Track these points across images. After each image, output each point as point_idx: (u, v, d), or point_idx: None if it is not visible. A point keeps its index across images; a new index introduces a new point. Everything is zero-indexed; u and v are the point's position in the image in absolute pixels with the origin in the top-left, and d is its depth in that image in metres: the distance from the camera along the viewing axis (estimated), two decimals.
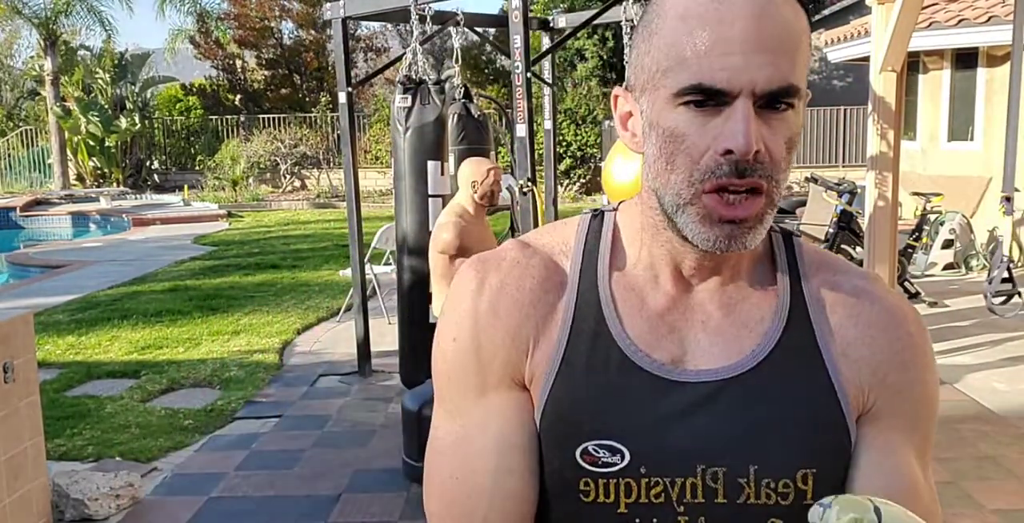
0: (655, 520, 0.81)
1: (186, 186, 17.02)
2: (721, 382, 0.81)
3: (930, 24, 8.61)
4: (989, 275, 5.61)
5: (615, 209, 0.89)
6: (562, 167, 14.76)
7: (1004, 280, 5.44)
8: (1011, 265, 5.60)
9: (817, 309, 0.84)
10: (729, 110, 0.74)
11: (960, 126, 9.31)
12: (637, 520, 0.81)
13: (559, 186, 11.62)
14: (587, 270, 0.85)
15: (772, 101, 0.75)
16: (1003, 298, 5.53)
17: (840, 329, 0.83)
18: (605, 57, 17.15)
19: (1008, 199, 5.37)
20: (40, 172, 18.36)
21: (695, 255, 0.82)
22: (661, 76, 0.77)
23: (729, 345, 0.82)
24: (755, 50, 0.73)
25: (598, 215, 0.89)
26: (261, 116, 18.75)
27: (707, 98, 0.74)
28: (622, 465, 0.80)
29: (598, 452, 0.80)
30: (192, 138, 18.99)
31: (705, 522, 0.81)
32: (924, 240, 7.83)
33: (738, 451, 0.80)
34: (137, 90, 19.29)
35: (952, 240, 8.11)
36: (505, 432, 0.83)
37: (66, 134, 17.30)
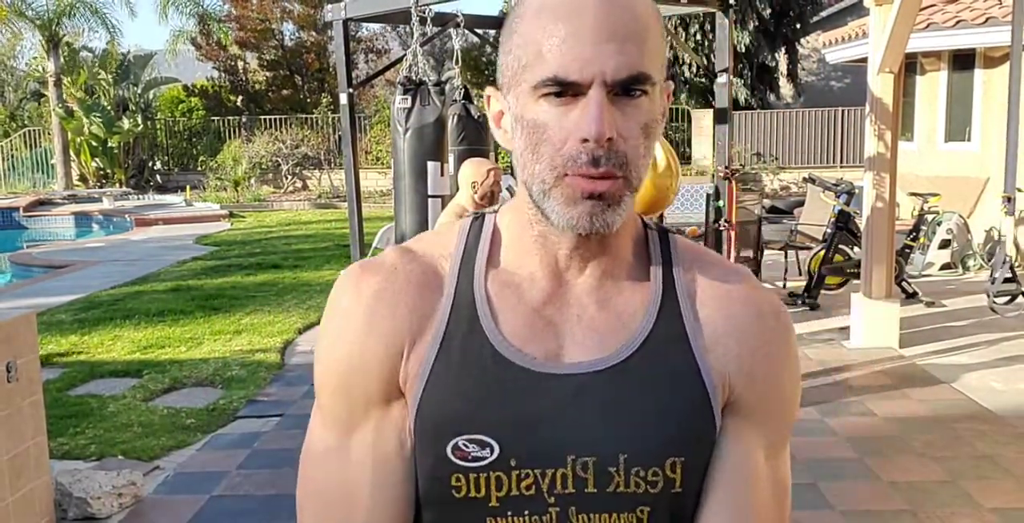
0: (527, 512, 0.83)
1: (188, 186, 17.05)
2: (592, 374, 0.83)
3: (928, 25, 8.63)
4: (991, 275, 5.62)
5: (495, 211, 0.92)
6: None
7: (1007, 280, 5.45)
8: (1013, 265, 5.61)
9: (688, 303, 0.87)
10: (585, 100, 0.77)
11: (957, 127, 9.33)
12: (509, 513, 0.83)
13: None
14: (464, 271, 0.87)
15: (625, 89, 0.78)
16: (1007, 298, 5.55)
17: (709, 322, 0.86)
18: None
19: (1009, 199, 5.39)
20: (43, 173, 18.39)
21: (567, 246, 0.84)
22: (522, 71, 0.80)
23: (603, 338, 0.85)
24: (604, 40, 0.77)
25: (479, 218, 0.92)
26: (263, 117, 18.77)
27: (563, 89, 0.78)
28: (492, 459, 0.82)
29: (468, 447, 0.82)
30: (194, 139, 19.02)
31: (576, 512, 0.83)
32: (921, 240, 7.84)
33: (608, 441, 0.82)
34: (139, 91, 19.32)
35: (949, 240, 8.12)
36: (382, 442, 0.85)
37: (69, 135, 17.33)
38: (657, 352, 0.84)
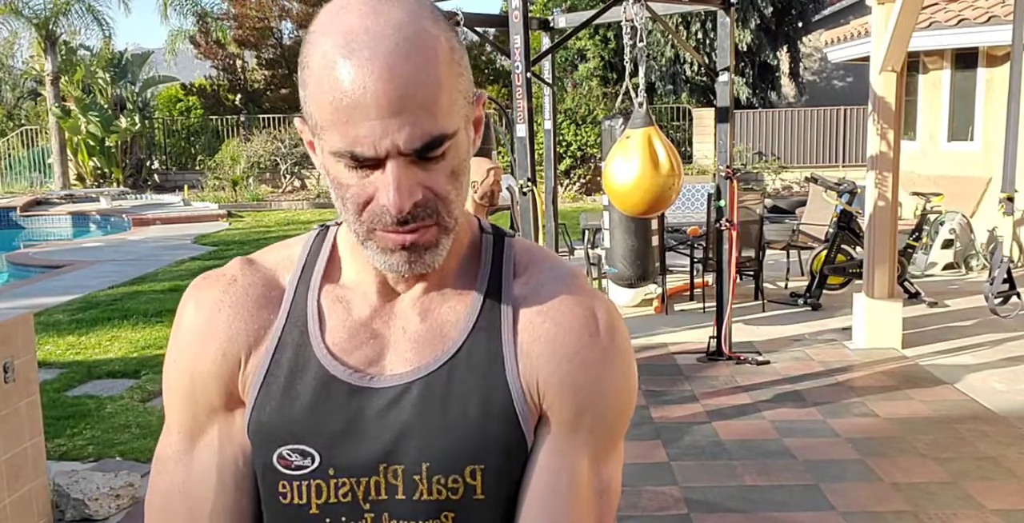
0: (344, 518, 0.86)
1: (186, 186, 17.03)
2: (406, 385, 0.85)
3: (930, 24, 8.62)
4: (990, 276, 5.61)
5: (338, 224, 0.92)
6: (562, 167, 14.76)
7: (1004, 281, 5.44)
8: (1011, 266, 5.59)
9: (509, 310, 0.87)
10: (381, 171, 0.77)
11: (960, 126, 9.32)
12: (328, 519, 0.86)
13: (559, 186, 11.62)
14: (302, 284, 0.90)
15: (421, 153, 0.77)
16: (1002, 299, 5.54)
17: (527, 327, 0.86)
18: (606, 57, 17.16)
19: (1009, 199, 5.37)
20: (40, 172, 18.37)
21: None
22: (320, 131, 0.79)
23: (422, 349, 0.86)
24: (390, 114, 0.75)
25: (323, 230, 0.94)
26: (261, 116, 18.76)
27: (357, 161, 0.77)
28: (312, 468, 0.86)
29: (291, 456, 0.86)
30: (192, 138, 19.00)
31: (388, 518, 0.86)
32: (924, 240, 7.83)
33: (414, 450, 0.85)
34: (137, 90, 19.30)
35: (952, 240, 8.11)
36: (225, 448, 0.89)
37: (66, 134, 17.31)
38: (466, 363, 0.85)
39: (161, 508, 0.91)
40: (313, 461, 0.85)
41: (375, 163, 0.77)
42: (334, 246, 0.92)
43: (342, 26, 0.76)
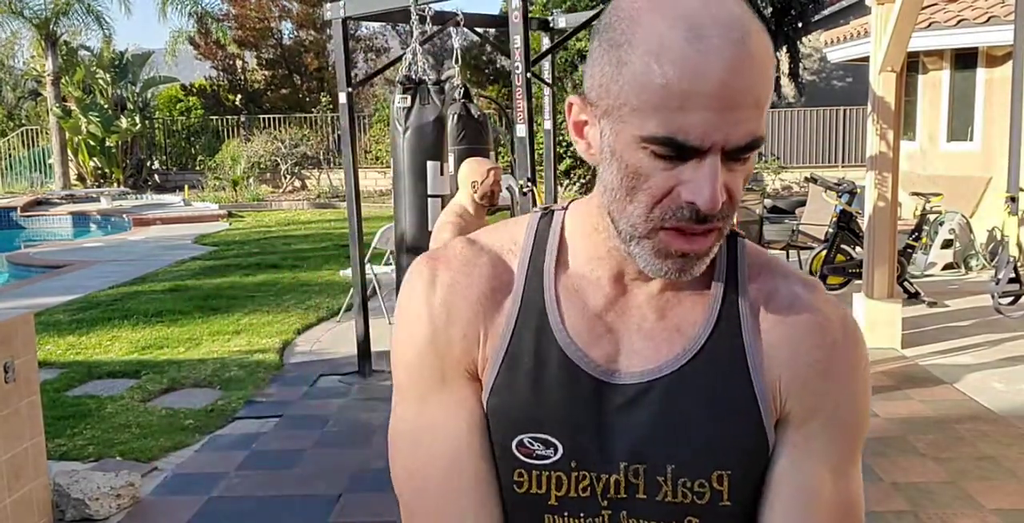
0: (582, 514, 0.84)
1: (187, 186, 17.03)
2: (647, 384, 0.83)
3: (930, 24, 8.62)
4: (995, 275, 5.60)
5: (564, 208, 0.90)
6: (562, 167, 14.76)
7: (1011, 280, 5.43)
8: (1017, 265, 5.59)
9: (748, 313, 0.85)
10: (696, 162, 0.74)
11: (959, 126, 9.32)
12: (566, 513, 0.84)
13: (559, 186, 11.63)
14: (533, 269, 0.87)
15: (738, 152, 0.75)
16: (1011, 298, 5.53)
17: (768, 333, 0.84)
18: None
19: (1013, 199, 5.37)
20: (41, 172, 18.36)
21: (638, 268, 0.83)
22: (629, 113, 0.75)
23: (659, 348, 0.84)
24: (730, 107, 0.72)
25: (547, 214, 0.90)
26: (261, 116, 18.75)
27: (675, 151, 0.74)
28: (555, 458, 0.83)
29: (533, 445, 0.84)
30: (192, 138, 19.00)
31: (626, 516, 0.84)
32: (924, 240, 7.83)
33: (657, 450, 0.83)
34: (138, 90, 19.29)
35: (952, 240, 8.11)
36: (469, 418, 0.86)
37: (67, 134, 17.30)
38: (710, 364, 0.83)
39: (414, 487, 0.87)
40: (556, 452, 0.83)
41: (688, 155, 0.74)
42: (562, 232, 0.88)
43: (681, 9, 0.73)
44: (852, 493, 0.87)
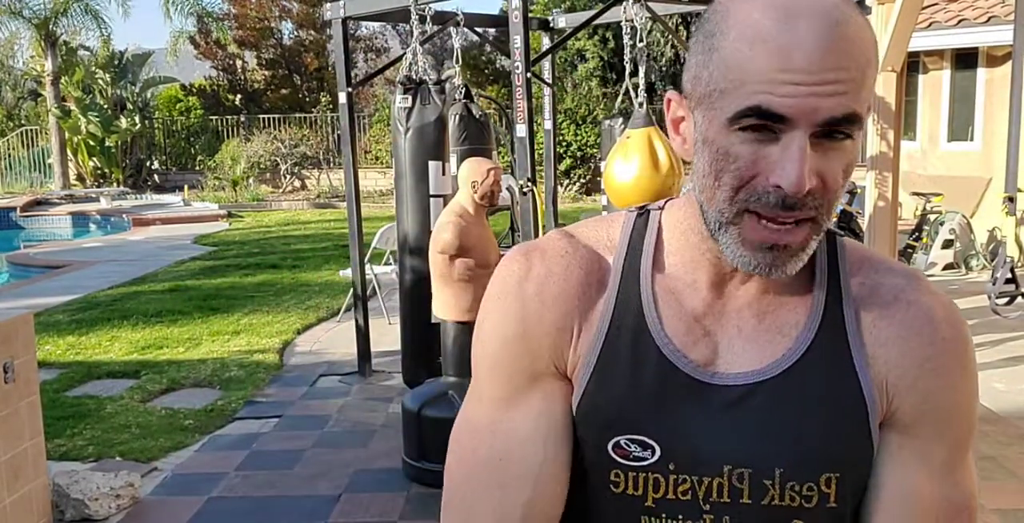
0: (681, 516, 0.82)
1: (186, 186, 17.02)
2: (752, 385, 0.81)
3: (930, 24, 8.62)
4: (993, 276, 5.60)
5: (661, 208, 0.88)
6: (562, 167, 14.76)
7: (1008, 281, 5.44)
8: (1014, 266, 5.60)
9: (852, 312, 0.83)
10: (786, 140, 0.72)
11: (960, 126, 9.32)
12: (664, 515, 0.83)
13: (559, 186, 11.62)
14: (630, 268, 0.85)
15: (831, 130, 0.72)
16: (1007, 299, 5.53)
17: (872, 331, 0.82)
18: (605, 57, 17.15)
19: (1011, 199, 5.37)
20: (40, 172, 18.36)
21: (734, 269, 0.81)
22: (719, 96, 0.74)
23: (762, 350, 0.82)
24: (820, 78, 0.70)
25: (644, 214, 0.88)
26: (261, 116, 18.75)
27: (764, 123, 0.72)
28: (652, 460, 0.82)
29: (630, 446, 0.82)
30: (192, 138, 19.00)
31: (729, 520, 0.82)
32: (924, 240, 7.83)
33: (764, 453, 0.81)
34: (137, 90, 19.29)
35: (952, 240, 8.11)
36: (551, 419, 0.84)
37: (66, 134, 17.29)
38: (816, 365, 0.81)
39: (480, 481, 0.85)
40: (653, 454, 0.81)
41: (777, 131, 0.72)
42: (659, 232, 0.86)
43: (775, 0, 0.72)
44: (961, 493, 0.85)
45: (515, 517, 0.84)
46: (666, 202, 0.89)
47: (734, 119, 0.73)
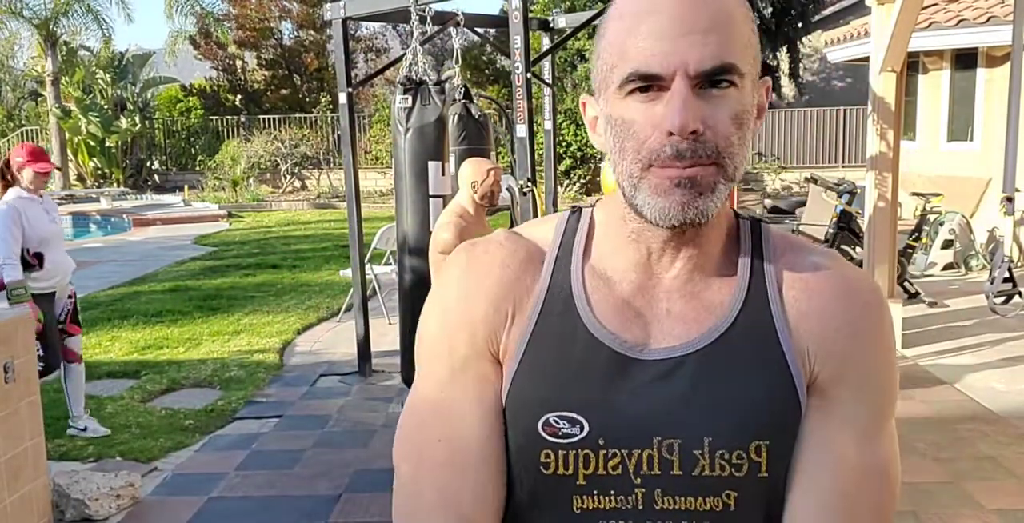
0: (613, 492, 0.84)
1: (186, 186, 17.03)
2: (679, 358, 0.84)
3: (930, 24, 8.62)
4: (990, 275, 5.61)
5: (593, 206, 0.94)
6: (562, 167, 14.76)
7: (1006, 280, 5.44)
8: (1012, 265, 5.60)
9: (775, 289, 0.87)
10: (668, 94, 0.78)
11: (960, 126, 9.32)
12: (596, 491, 0.84)
13: (559, 186, 11.63)
14: (562, 258, 0.90)
15: (711, 80, 0.78)
16: (1004, 298, 5.54)
17: (795, 303, 0.86)
18: None
19: (1009, 199, 5.37)
20: None
21: (661, 239, 0.85)
22: (609, 73, 0.81)
23: (690, 327, 0.86)
24: (685, 32, 0.77)
25: (576, 211, 0.94)
26: (261, 116, 18.76)
27: (647, 84, 0.78)
28: (581, 436, 0.83)
29: (559, 423, 0.84)
30: (192, 138, 19.00)
31: (661, 494, 0.83)
32: (924, 240, 7.83)
33: (693, 423, 0.83)
34: (138, 90, 19.30)
35: (952, 240, 8.11)
36: (487, 400, 0.87)
37: (66, 134, 17.31)
38: (742, 338, 0.85)
39: (423, 461, 0.88)
40: (582, 430, 0.83)
41: (661, 87, 0.78)
42: (591, 225, 0.92)
43: None
44: (884, 456, 0.88)
45: (462, 495, 0.85)
46: (598, 200, 0.95)
47: (621, 87, 0.80)
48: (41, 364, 3.97)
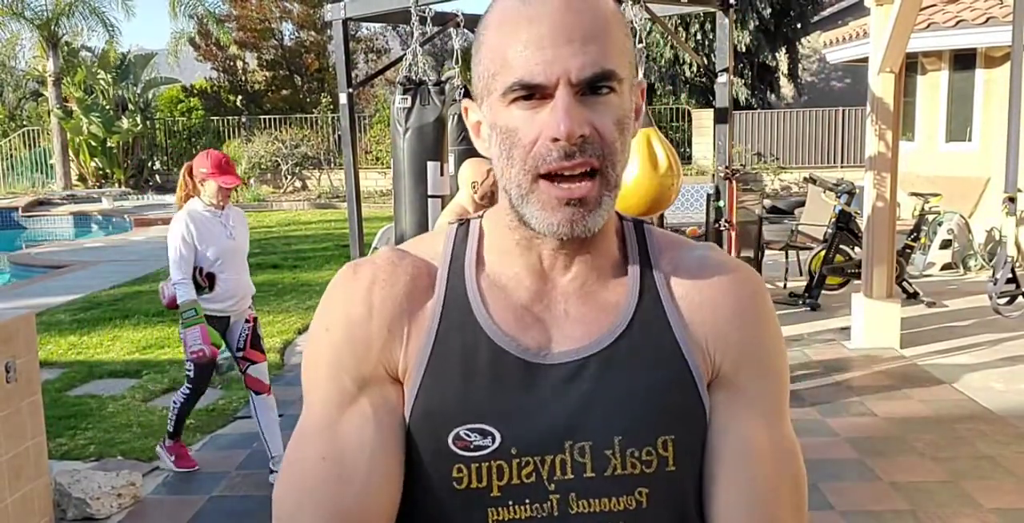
0: (528, 501, 0.83)
1: None
2: (582, 360, 0.85)
3: (928, 25, 8.63)
4: (993, 275, 5.61)
5: (480, 217, 0.94)
6: None
7: (1009, 280, 5.45)
8: (1015, 265, 5.61)
9: (664, 285, 0.89)
10: (552, 102, 0.79)
11: (958, 127, 9.33)
12: (511, 502, 0.83)
13: None
14: (455, 271, 0.90)
15: (592, 87, 0.80)
16: (1007, 299, 5.54)
17: (685, 297, 0.89)
18: None
19: (1012, 200, 5.38)
20: (42, 173, 18.38)
21: (550, 247, 0.86)
22: (491, 80, 0.82)
23: (589, 329, 0.87)
24: (564, 42, 0.79)
25: (464, 224, 0.94)
26: (262, 117, 18.76)
27: (530, 93, 0.80)
28: (493, 447, 0.83)
29: (470, 436, 0.83)
30: (193, 139, 19.00)
31: (576, 498, 0.83)
32: (922, 240, 7.84)
33: (602, 424, 0.84)
34: (139, 91, 19.31)
35: (950, 240, 8.12)
36: (380, 421, 0.85)
37: (68, 135, 17.32)
38: (639, 335, 0.87)
39: (307, 478, 0.85)
40: (494, 441, 0.83)
41: (544, 95, 0.80)
42: (480, 236, 0.92)
43: None
44: (791, 437, 0.91)
45: (344, 514, 0.83)
46: (484, 211, 0.95)
47: (504, 94, 0.81)
48: (188, 387, 3.87)
